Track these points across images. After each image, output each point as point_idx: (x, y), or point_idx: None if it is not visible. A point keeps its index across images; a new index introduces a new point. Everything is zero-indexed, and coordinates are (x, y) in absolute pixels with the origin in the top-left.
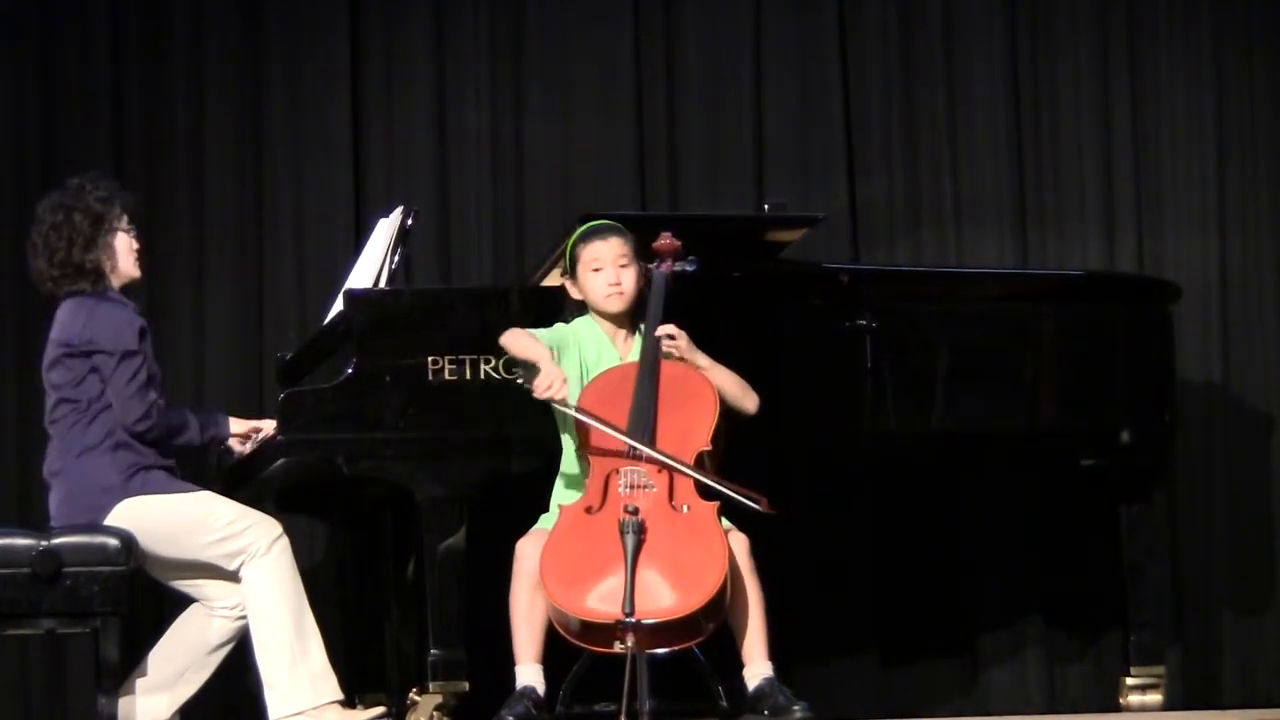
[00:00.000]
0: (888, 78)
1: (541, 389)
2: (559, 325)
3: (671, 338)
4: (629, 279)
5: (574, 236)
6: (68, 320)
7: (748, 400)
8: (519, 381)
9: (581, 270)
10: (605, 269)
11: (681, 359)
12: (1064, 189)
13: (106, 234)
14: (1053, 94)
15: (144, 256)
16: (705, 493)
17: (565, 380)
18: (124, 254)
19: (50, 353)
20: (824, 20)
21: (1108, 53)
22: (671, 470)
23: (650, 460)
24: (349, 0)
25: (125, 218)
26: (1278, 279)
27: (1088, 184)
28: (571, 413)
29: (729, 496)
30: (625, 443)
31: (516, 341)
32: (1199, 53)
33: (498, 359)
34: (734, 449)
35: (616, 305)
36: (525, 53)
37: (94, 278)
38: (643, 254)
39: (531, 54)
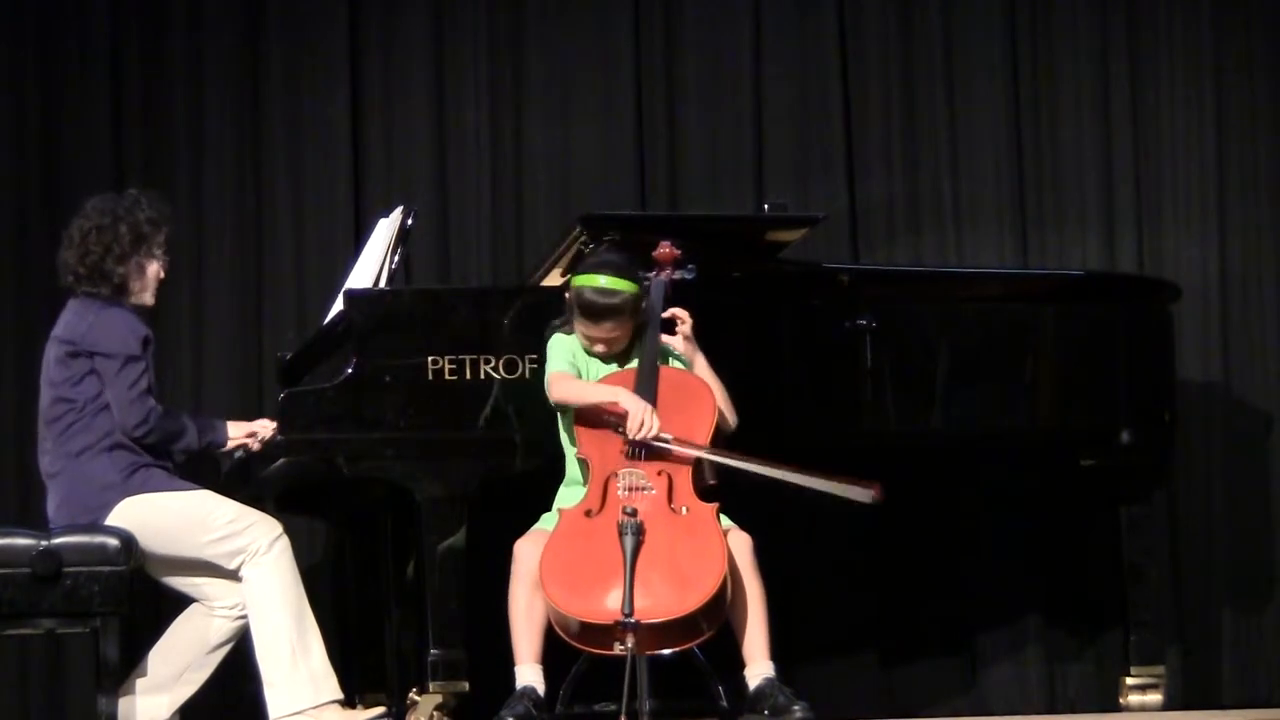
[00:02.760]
0: (888, 78)
1: (634, 429)
2: (558, 341)
3: (679, 321)
4: (620, 332)
5: (581, 279)
6: (74, 320)
7: (729, 415)
8: (615, 427)
9: (576, 320)
10: (596, 343)
11: (682, 354)
12: (1064, 189)
13: (143, 255)
14: (1053, 94)
15: (161, 289)
16: (705, 494)
17: (654, 412)
18: (150, 280)
19: (52, 349)
20: (824, 20)
21: (1108, 53)
22: (785, 484)
23: (761, 478)
24: (349, 0)
25: (164, 246)
26: (1278, 279)
27: (1088, 184)
28: (669, 446)
29: (833, 492)
30: (697, 453)
31: (575, 390)
32: (1199, 53)
33: (498, 359)
34: (734, 449)
35: (599, 351)
36: (525, 53)
37: (115, 290)
38: (642, 256)
39: (531, 54)
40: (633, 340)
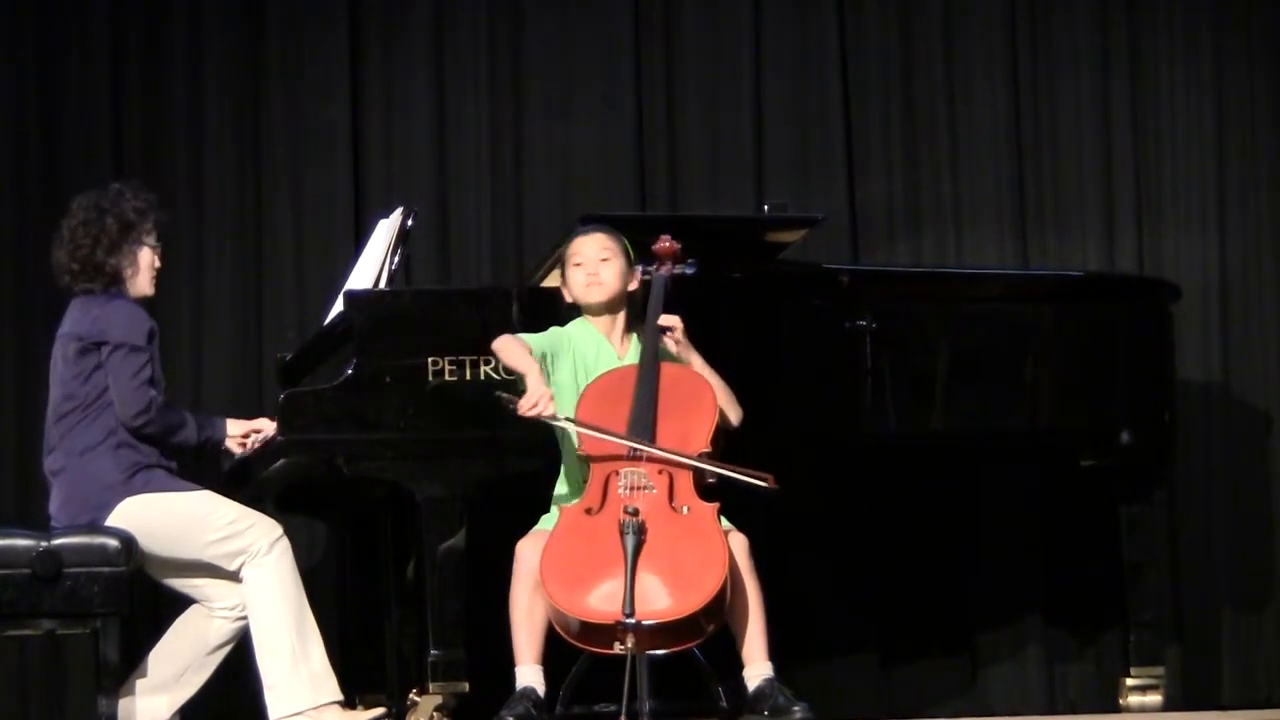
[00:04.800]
0: (888, 78)
1: (526, 408)
2: (554, 329)
3: (670, 329)
4: (608, 271)
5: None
6: (80, 315)
7: (732, 411)
8: (506, 404)
9: (567, 267)
10: (585, 263)
11: (678, 356)
12: (1064, 189)
13: (133, 243)
14: (1053, 94)
15: (159, 277)
16: (706, 493)
17: (551, 397)
18: (145, 268)
19: (59, 348)
20: (824, 20)
21: (1108, 53)
22: (675, 465)
23: (653, 459)
24: (349, 0)
25: (155, 234)
26: (1278, 279)
27: (1088, 184)
28: (561, 424)
29: (733, 479)
30: (626, 445)
31: (508, 350)
32: (1199, 53)
33: (498, 360)
34: (734, 449)
35: (596, 295)
36: (525, 53)
37: (109, 280)
38: (642, 255)
39: (531, 54)
40: (635, 336)
